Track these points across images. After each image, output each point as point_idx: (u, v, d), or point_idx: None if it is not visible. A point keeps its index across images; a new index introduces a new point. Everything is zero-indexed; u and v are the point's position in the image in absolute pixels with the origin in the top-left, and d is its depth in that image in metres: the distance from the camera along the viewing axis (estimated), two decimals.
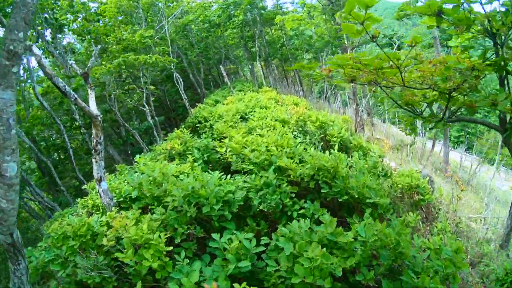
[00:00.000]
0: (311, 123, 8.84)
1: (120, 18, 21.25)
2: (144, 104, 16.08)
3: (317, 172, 5.25)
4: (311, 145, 8.26)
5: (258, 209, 4.96)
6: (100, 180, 5.56)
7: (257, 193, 5.07)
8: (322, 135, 8.76)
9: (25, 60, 17.22)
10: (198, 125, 11.95)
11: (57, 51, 18.60)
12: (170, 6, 25.70)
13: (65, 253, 4.65)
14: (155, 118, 15.44)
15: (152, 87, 28.82)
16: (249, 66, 32.37)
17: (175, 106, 29.63)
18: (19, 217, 23.06)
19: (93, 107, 5.81)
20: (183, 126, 18.05)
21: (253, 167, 5.84)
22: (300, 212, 4.94)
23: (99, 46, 7.32)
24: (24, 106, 20.25)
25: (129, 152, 20.47)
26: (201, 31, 26.70)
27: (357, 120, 17.44)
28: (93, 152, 5.64)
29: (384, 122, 30.74)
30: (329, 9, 18.09)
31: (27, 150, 19.51)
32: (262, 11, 22.60)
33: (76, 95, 5.32)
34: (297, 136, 8.57)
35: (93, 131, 5.60)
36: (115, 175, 8.57)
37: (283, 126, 9.05)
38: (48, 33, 19.12)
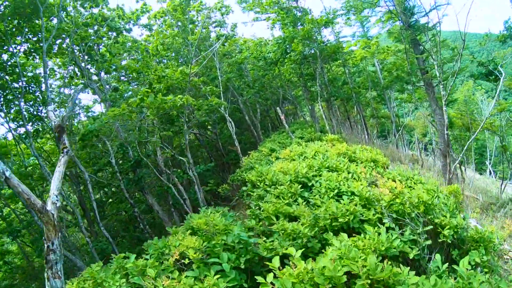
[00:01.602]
0: (413, 207, 5.66)
1: (168, 55, 19.47)
2: (186, 153, 13.57)
3: None
4: (414, 246, 5.12)
5: None
6: None
7: None
8: (427, 225, 5.57)
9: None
10: (244, 188, 9.16)
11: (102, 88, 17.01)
12: (224, 45, 23.81)
13: None
14: (194, 172, 12.81)
15: (209, 131, 27.00)
16: (309, 106, 29.53)
17: (229, 149, 27.18)
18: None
19: (53, 187, 3.27)
20: (226, 183, 15.37)
21: None
22: None
23: (79, 86, 4.84)
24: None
25: (171, 202, 17.94)
26: (257, 70, 24.42)
27: (448, 177, 13.84)
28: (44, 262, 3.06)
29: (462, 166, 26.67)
30: (408, 35, 14.84)
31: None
32: (322, 45, 19.79)
33: (7, 173, 2.78)
34: (390, 227, 5.44)
35: (44, 231, 3.07)
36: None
37: (367, 209, 5.97)
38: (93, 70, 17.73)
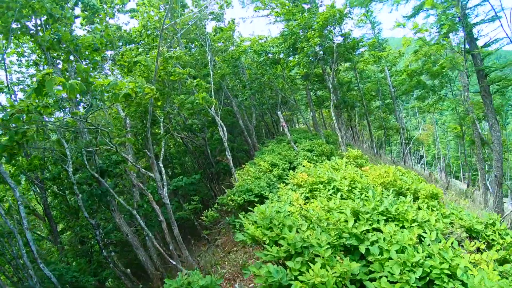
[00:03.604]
0: None
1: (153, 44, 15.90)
2: (156, 167, 10.05)
3: None
4: None
5: None
6: None
7: None
8: None
9: None
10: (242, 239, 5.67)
11: None
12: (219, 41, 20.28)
13: None
14: (165, 198, 9.15)
15: (196, 135, 23.27)
16: (310, 113, 26.18)
17: (219, 155, 23.53)
18: None
19: None
20: (213, 207, 11.79)
21: None
22: None
23: None
24: None
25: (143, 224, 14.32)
26: (256, 68, 20.96)
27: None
28: None
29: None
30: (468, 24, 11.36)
31: None
32: (342, 39, 16.32)
33: None
34: None
35: None
36: None
37: None
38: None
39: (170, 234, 12.36)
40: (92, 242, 18.31)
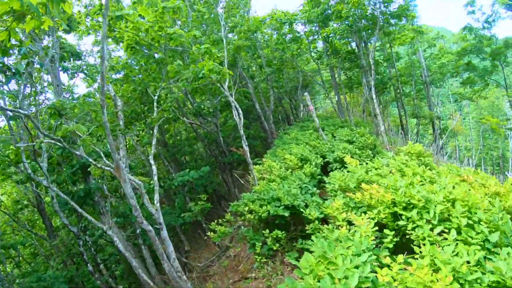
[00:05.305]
0: None
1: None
2: (152, 163, 7.47)
3: None
4: None
5: None
6: None
7: None
8: None
9: None
10: None
11: None
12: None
13: None
14: (147, 227, 6.18)
15: (206, 120, 20.41)
16: (336, 97, 23.30)
17: (233, 144, 20.71)
18: None
19: None
20: (223, 219, 9.07)
21: None
22: None
23: None
24: None
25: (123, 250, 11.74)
26: (276, 44, 18.09)
27: None
28: None
29: None
30: None
31: None
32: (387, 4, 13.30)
33: None
34: None
35: None
36: None
37: None
38: None
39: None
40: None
